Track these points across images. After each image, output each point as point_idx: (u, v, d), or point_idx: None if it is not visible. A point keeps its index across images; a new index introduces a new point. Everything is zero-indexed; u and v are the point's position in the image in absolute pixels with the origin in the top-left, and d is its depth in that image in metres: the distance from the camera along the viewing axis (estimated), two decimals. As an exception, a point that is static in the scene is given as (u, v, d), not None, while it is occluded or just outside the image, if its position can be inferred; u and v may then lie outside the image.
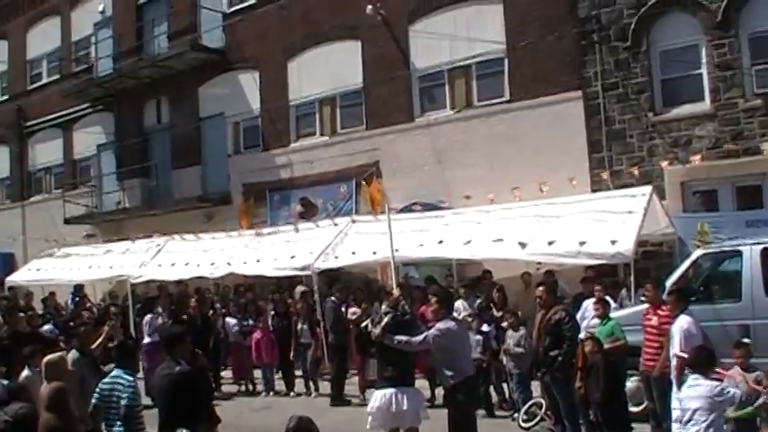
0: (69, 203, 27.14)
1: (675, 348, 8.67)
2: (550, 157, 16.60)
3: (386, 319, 8.50)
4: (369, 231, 16.74)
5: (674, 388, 8.63)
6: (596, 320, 11.19)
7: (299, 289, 17.86)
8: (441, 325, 8.57)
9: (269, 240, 18.77)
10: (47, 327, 16.81)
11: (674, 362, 8.83)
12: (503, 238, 14.01)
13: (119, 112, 26.95)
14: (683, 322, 8.80)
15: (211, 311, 17.33)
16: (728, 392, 7.12)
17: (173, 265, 19.52)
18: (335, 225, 17.60)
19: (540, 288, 10.31)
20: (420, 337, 8.50)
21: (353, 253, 16.20)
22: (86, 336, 10.77)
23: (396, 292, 9.59)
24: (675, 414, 8.12)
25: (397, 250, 14.38)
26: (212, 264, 18.56)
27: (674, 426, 8.48)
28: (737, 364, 8.91)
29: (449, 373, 8.55)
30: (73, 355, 9.84)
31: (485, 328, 12.47)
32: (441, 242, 14.79)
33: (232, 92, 23.41)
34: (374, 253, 15.55)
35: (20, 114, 30.88)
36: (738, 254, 10.91)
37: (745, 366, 8.80)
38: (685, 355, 8.47)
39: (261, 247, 18.50)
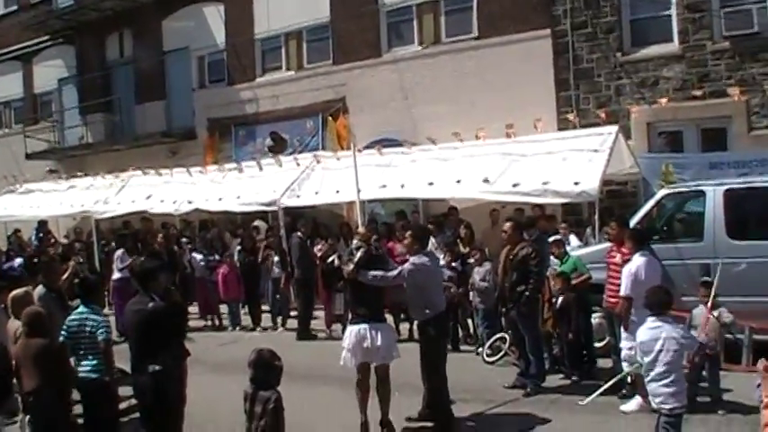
0: (30, 139, 26.66)
1: (622, 289, 8.79)
2: (518, 95, 16.59)
3: (359, 254, 8.45)
4: (335, 167, 16.77)
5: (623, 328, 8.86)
6: (555, 261, 11.31)
7: (257, 224, 17.91)
8: (415, 260, 8.55)
9: (233, 176, 18.70)
10: (18, 260, 16.77)
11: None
12: (467, 177, 14.10)
13: (80, 46, 26.40)
14: (632, 264, 8.86)
15: (177, 247, 17.23)
16: (694, 337, 7.26)
17: (133, 201, 19.42)
18: (298, 165, 17.55)
19: (507, 224, 10.29)
20: (395, 272, 8.49)
21: (317, 193, 16.24)
22: (52, 271, 10.69)
23: (362, 229, 9.53)
24: (629, 354, 8.34)
25: (359, 191, 14.43)
26: (176, 201, 18.47)
27: (625, 365, 8.73)
28: (702, 302, 9.08)
29: (423, 308, 8.59)
30: (39, 290, 9.80)
31: (455, 264, 12.56)
32: (403, 186, 14.84)
33: (197, 25, 23.00)
34: (337, 192, 15.68)
35: (-23, 46, 30.08)
36: (702, 194, 11.03)
37: (710, 303, 8.97)
38: (629, 297, 8.62)
39: (225, 183, 18.44)
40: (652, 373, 6.80)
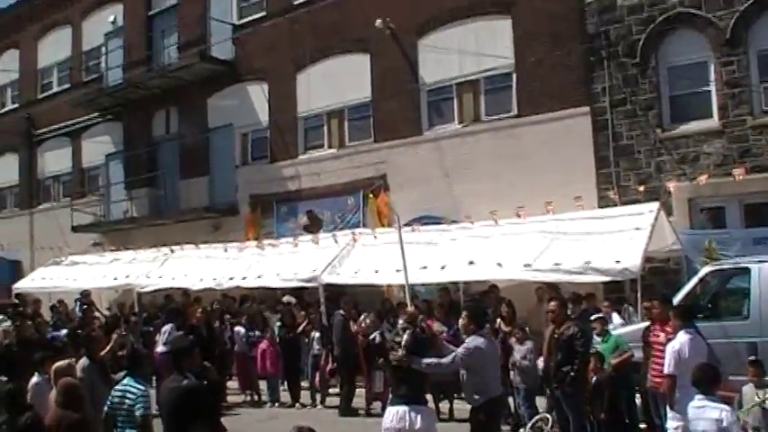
0: (77, 212, 27.24)
1: (665, 367, 8.66)
2: (557, 172, 16.60)
3: (405, 337, 8.41)
4: (374, 243, 16.87)
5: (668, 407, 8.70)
6: (597, 338, 11.21)
7: (287, 299, 18.01)
8: (470, 343, 8.30)
9: (274, 251, 18.87)
10: (63, 331, 17.04)
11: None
12: (507, 258, 14.06)
13: (128, 122, 27.08)
14: (676, 342, 8.78)
15: (220, 323, 17.28)
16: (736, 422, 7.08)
17: (173, 278, 19.65)
18: (336, 242, 17.68)
19: (553, 303, 10.17)
20: (448, 359, 8.31)
21: (356, 272, 16.26)
22: (96, 343, 10.81)
23: (411, 308, 9.51)
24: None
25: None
26: (216, 277, 18.64)
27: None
28: (751, 381, 8.91)
29: (475, 394, 8.35)
30: (83, 362, 9.91)
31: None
32: (443, 267, 14.80)
33: (241, 103, 23.51)
34: (376, 272, 15.79)
35: (29, 123, 31.06)
36: (746, 271, 10.93)
37: (759, 384, 8.81)
38: (673, 375, 8.49)
39: (265, 259, 18.59)
40: None
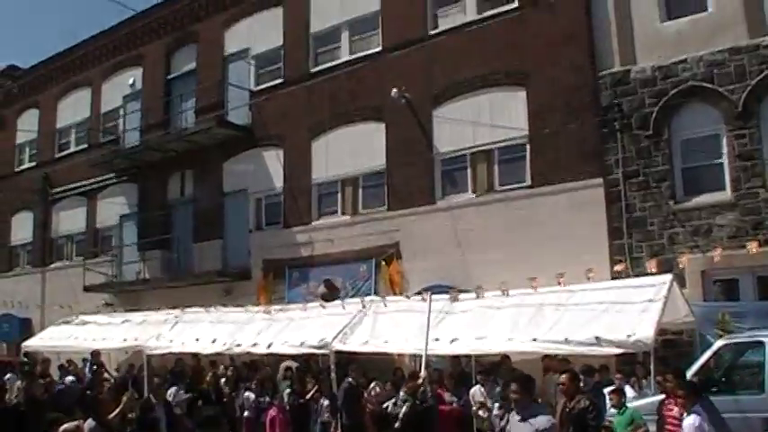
0: (89, 271, 27.37)
1: None
2: (570, 243, 16.62)
3: (403, 409, 8.41)
4: (386, 311, 16.81)
5: None
6: (613, 410, 11.11)
7: (285, 364, 17.95)
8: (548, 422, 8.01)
9: (284, 317, 18.80)
10: (69, 378, 17.12)
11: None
12: (518, 331, 13.97)
13: (143, 184, 27.35)
14: (692, 420, 8.72)
15: (233, 390, 17.16)
16: None
17: (183, 343, 19.56)
18: (344, 308, 17.67)
19: (564, 375, 10.01)
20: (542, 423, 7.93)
21: (366, 342, 16.12)
22: (103, 405, 10.78)
23: (423, 375, 9.44)
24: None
25: (407, 340, 14.49)
26: (225, 342, 18.56)
27: None
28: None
29: None
30: (89, 424, 9.87)
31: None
32: (453, 341, 14.69)
33: (256, 168, 23.75)
34: (386, 342, 15.68)
35: (46, 181, 31.41)
36: (761, 344, 10.86)
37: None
38: None
39: (275, 325, 18.49)
40: None
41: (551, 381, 13.62)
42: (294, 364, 18.12)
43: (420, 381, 9.37)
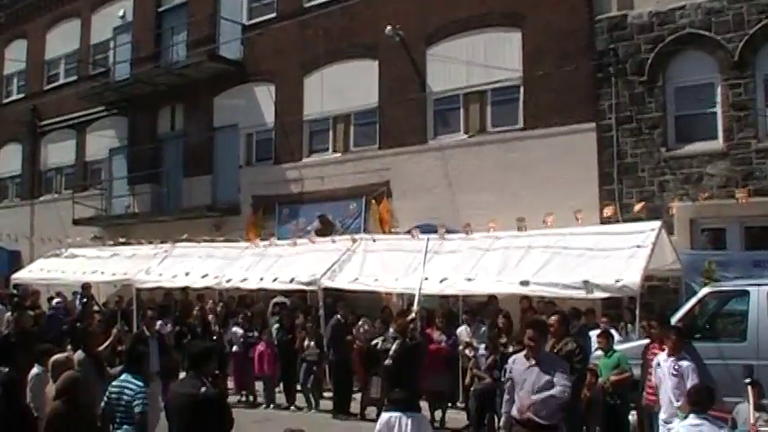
0: (79, 205, 27.27)
1: (689, 385, 8.71)
2: (561, 186, 16.68)
3: (393, 347, 8.50)
4: (376, 249, 16.93)
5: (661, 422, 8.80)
6: (600, 352, 11.27)
7: (276, 300, 18.16)
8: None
9: (274, 253, 18.88)
10: (55, 300, 17.43)
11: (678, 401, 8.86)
12: (506, 273, 14.13)
13: (133, 118, 27.12)
14: (687, 363, 8.88)
15: (222, 325, 17.28)
16: None
17: (174, 276, 19.73)
18: (333, 242, 17.79)
19: (554, 317, 9.94)
20: (560, 389, 7.82)
21: (356, 279, 16.25)
22: (93, 337, 10.86)
23: (414, 312, 9.52)
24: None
25: (396, 279, 14.55)
26: (217, 276, 18.68)
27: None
28: (751, 402, 8.93)
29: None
30: (79, 355, 9.98)
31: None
32: (443, 281, 14.81)
33: (247, 104, 23.57)
34: (376, 280, 15.86)
35: (34, 114, 31.06)
36: (745, 294, 11.00)
37: (757, 407, 8.85)
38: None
39: (265, 261, 18.60)
40: None
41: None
42: (285, 300, 18.28)
43: (411, 317, 9.41)
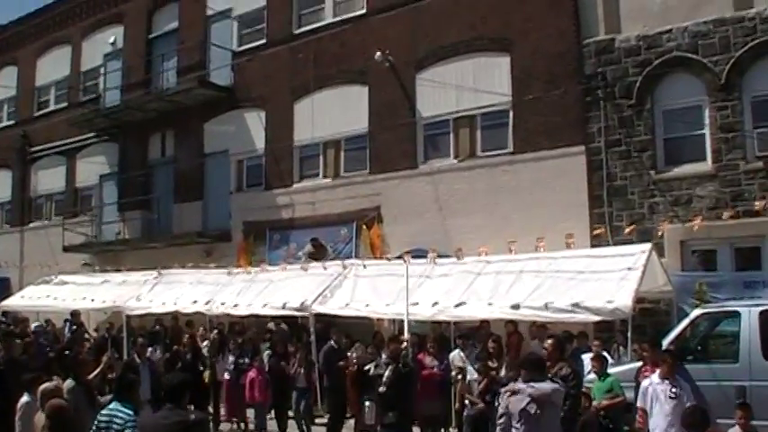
0: (69, 231, 27.17)
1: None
2: (551, 210, 16.72)
3: (386, 373, 8.48)
4: (367, 275, 16.93)
5: None
6: (593, 376, 11.24)
7: (270, 325, 18.12)
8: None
9: (265, 279, 18.87)
10: (35, 324, 17.74)
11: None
12: (498, 297, 14.14)
13: (123, 144, 27.10)
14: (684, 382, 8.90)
15: (210, 353, 17.15)
16: None
17: (164, 303, 19.67)
18: (325, 269, 17.78)
19: (549, 341, 9.92)
20: None
21: (347, 304, 16.28)
22: (83, 365, 10.77)
23: (406, 339, 9.50)
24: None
25: (387, 305, 14.50)
26: (207, 302, 18.64)
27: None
28: (739, 424, 8.92)
29: None
30: (68, 383, 9.87)
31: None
32: (435, 304, 14.79)
33: (237, 130, 23.60)
34: (367, 306, 15.87)
35: (25, 140, 31.01)
36: (737, 315, 11.01)
37: (746, 428, 8.84)
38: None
39: (255, 287, 18.58)
40: None
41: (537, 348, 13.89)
42: (282, 324, 18.17)
43: (403, 345, 9.37)
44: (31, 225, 30.62)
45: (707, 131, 15.76)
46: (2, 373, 11.62)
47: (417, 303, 14.81)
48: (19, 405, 9.27)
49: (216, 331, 17.75)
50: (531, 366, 8.06)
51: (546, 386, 7.63)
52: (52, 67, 30.72)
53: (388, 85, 20.19)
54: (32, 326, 19.50)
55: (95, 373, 11.32)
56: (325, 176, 21.74)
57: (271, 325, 18.47)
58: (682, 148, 16.13)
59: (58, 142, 29.32)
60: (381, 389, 8.37)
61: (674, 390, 8.83)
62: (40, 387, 8.86)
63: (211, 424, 15.94)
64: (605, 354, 13.10)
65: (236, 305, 18.04)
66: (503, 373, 12.12)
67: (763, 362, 10.44)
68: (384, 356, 8.80)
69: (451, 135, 19.39)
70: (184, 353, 16.07)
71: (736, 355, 10.80)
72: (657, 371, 9.38)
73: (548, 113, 17.43)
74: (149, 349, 16.16)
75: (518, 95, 18.02)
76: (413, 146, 19.78)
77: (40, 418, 8.30)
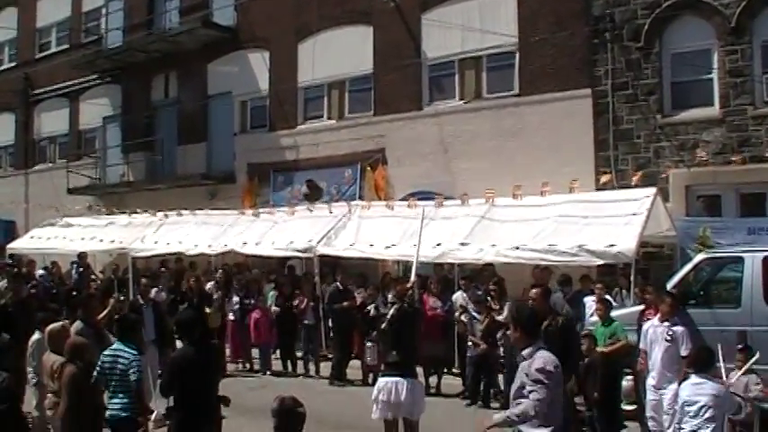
0: (73, 174, 27.14)
1: (683, 350, 8.75)
2: (556, 153, 16.67)
3: (391, 311, 8.52)
4: (370, 216, 16.99)
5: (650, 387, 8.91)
6: (596, 318, 11.29)
7: (291, 262, 18.45)
8: (545, 365, 6.01)
9: (270, 220, 18.95)
10: (39, 271, 18.52)
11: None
12: (502, 239, 14.19)
13: (126, 86, 26.95)
14: (682, 328, 8.95)
15: (225, 294, 17.21)
16: (735, 398, 7.36)
17: (168, 243, 19.82)
18: (330, 212, 17.93)
19: (534, 290, 9.18)
20: (531, 404, 5.95)
21: (352, 244, 16.40)
22: (90, 306, 10.85)
23: (413, 279, 9.48)
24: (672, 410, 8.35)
25: (388, 247, 14.48)
26: (211, 245, 18.75)
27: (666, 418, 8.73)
28: (739, 367, 8.99)
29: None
30: (77, 325, 9.96)
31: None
32: (438, 245, 14.83)
33: (241, 71, 23.41)
34: (371, 246, 15.94)
35: (27, 82, 30.82)
36: (740, 260, 11.03)
37: (746, 372, 8.92)
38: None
39: (260, 228, 18.67)
40: (690, 427, 6.96)
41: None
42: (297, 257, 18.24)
43: (409, 284, 9.34)
44: (36, 168, 30.59)
45: (715, 76, 15.61)
46: (11, 314, 11.71)
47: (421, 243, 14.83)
48: (30, 342, 9.39)
49: (221, 271, 17.83)
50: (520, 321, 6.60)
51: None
52: (53, 7, 30.31)
53: (393, 26, 19.97)
54: (38, 272, 19.58)
55: (103, 315, 11.38)
56: (329, 118, 21.65)
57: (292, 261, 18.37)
58: (689, 92, 16.01)
59: (60, 84, 29.11)
60: (384, 326, 8.40)
61: (671, 332, 8.89)
62: (47, 327, 8.95)
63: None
64: (608, 297, 13.15)
65: (244, 244, 18.14)
66: (504, 314, 12.23)
67: (765, 307, 10.49)
68: (390, 296, 8.78)
69: (457, 76, 19.24)
70: (190, 295, 16.18)
71: (738, 301, 10.84)
72: (659, 314, 9.43)
73: (554, 55, 17.28)
74: (153, 290, 16.28)
75: (524, 37, 17.82)
76: (418, 87, 19.64)
77: (49, 357, 8.41)
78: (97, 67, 27.13)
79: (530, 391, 5.93)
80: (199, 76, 24.53)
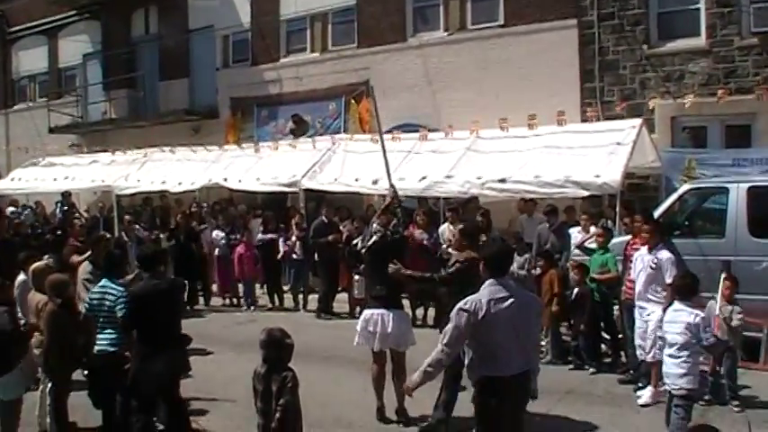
0: (54, 113, 26.76)
1: (668, 278, 8.79)
2: (542, 84, 16.54)
3: (374, 238, 8.43)
4: (355, 150, 16.90)
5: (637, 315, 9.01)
6: (595, 246, 11.33)
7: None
8: (473, 298, 5.63)
9: (254, 155, 18.87)
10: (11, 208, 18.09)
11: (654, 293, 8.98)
12: (487, 171, 14.14)
13: (106, 21, 26.43)
14: (667, 254, 8.96)
15: (202, 225, 17.20)
16: (708, 328, 7.39)
17: (152, 182, 19.63)
18: (314, 147, 17.85)
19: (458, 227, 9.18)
20: (438, 349, 5.68)
21: (336, 179, 16.35)
22: (67, 247, 10.82)
23: (398, 208, 9.36)
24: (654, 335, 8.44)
25: (375, 182, 14.44)
26: (194, 182, 18.66)
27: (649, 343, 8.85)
28: (723, 295, 9.05)
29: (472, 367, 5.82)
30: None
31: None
32: (423, 178, 14.81)
33: (222, 4, 22.95)
34: (357, 180, 15.86)
35: (3, 20, 30.22)
36: (725, 191, 11.01)
37: (730, 299, 9.00)
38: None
39: (244, 163, 18.60)
40: (666, 354, 7.15)
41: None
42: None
43: (388, 200, 9.20)
44: (15, 108, 30.10)
45: (702, 6, 15.45)
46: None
47: (404, 179, 14.78)
48: (17, 283, 9.36)
49: (205, 205, 17.76)
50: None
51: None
52: (28, -59, 29.60)
53: (377, -46, 19.60)
54: (8, 210, 19.40)
55: (85, 257, 11.20)
56: (312, 51, 21.36)
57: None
58: (676, 22, 15.86)
59: (38, 21, 28.51)
60: (364, 252, 8.32)
61: (656, 260, 8.93)
62: (31, 266, 8.92)
63: (203, 299, 16.31)
64: (593, 228, 13.15)
65: (225, 179, 18.08)
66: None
67: (749, 237, 10.51)
68: (375, 225, 8.62)
69: (441, 7, 18.99)
70: (177, 233, 16.13)
71: (722, 231, 10.86)
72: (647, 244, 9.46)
73: (539, -16, 17.02)
74: (136, 227, 16.25)
75: (509, -34, 17.54)
76: (401, 18, 19.37)
77: (34, 296, 8.39)
78: (75, 2, 26.59)
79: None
80: (179, 10, 24.06)
